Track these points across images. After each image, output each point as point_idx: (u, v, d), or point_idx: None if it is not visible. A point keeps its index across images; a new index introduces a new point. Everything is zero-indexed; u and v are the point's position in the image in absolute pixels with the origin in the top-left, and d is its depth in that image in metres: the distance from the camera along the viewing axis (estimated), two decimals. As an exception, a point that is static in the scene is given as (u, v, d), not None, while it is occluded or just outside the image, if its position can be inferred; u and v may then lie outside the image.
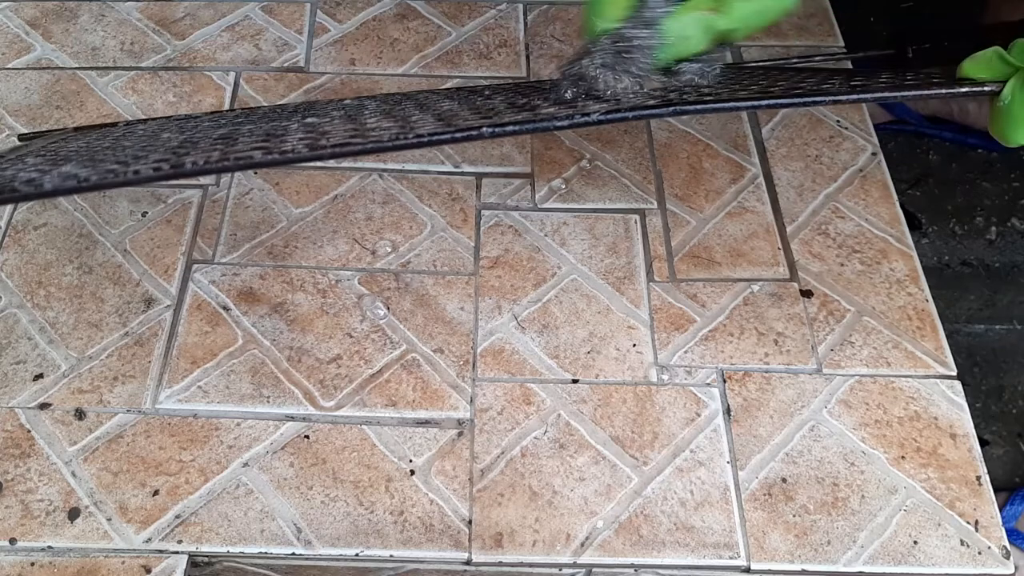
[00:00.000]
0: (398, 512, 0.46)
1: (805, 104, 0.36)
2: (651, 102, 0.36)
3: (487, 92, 0.52)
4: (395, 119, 0.40)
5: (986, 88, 0.38)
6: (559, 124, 0.33)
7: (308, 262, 0.55)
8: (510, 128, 0.33)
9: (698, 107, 0.36)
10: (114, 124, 0.61)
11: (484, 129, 0.33)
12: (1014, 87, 0.37)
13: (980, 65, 0.39)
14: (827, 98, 0.36)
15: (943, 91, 0.38)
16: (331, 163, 0.57)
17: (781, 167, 0.61)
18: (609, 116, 0.34)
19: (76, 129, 0.60)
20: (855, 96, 0.36)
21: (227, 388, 0.50)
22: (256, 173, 0.60)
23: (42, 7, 0.70)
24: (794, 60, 0.67)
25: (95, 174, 0.31)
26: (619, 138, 0.63)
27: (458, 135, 0.33)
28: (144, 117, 0.63)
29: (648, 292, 0.55)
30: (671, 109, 0.35)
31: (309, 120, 0.44)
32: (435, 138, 0.33)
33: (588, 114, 0.34)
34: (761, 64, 0.63)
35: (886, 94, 0.38)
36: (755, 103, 0.38)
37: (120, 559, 0.44)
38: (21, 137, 0.61)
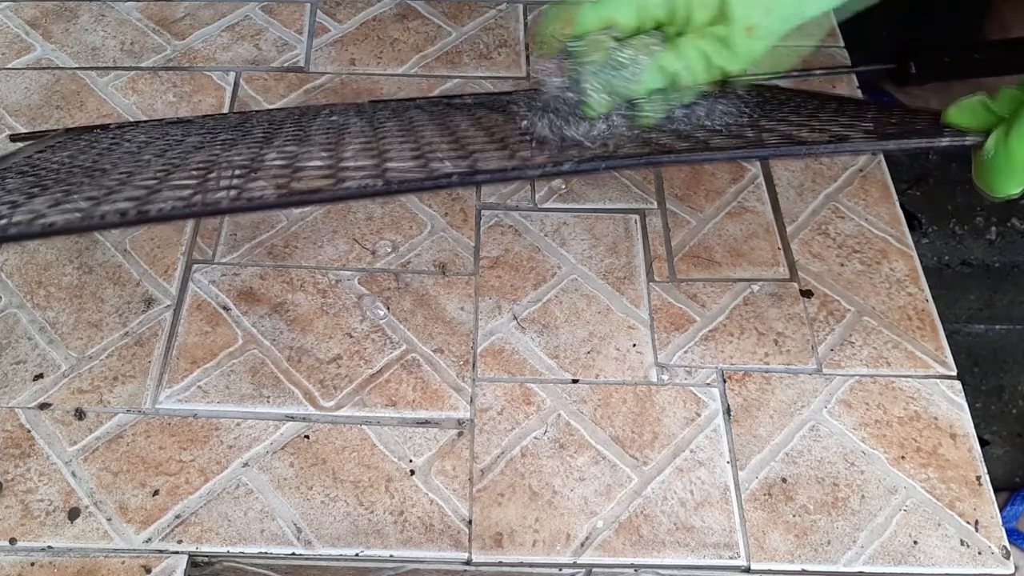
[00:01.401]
0: (398, 512, 0.46)
1: (781, 156, 0.37)
2: (625, 149, 0.36)
3: (471, 112, 0.52)
4: (372, 153, 0.40)
5: (968, 140, 0.37)
6: (531, 174, 0.34)
7: (308, 262, 0.55)
8: (479, 178, 0.33)
9: (672, 158, 0.36)
10: (105, 127, 0.60)
11: (454, 177, 0.33)
12: (997, 140, 0.36)
13: (964, 113, 0.37)
14: (804, 148, 0.35)
15: (924, 141, 0.37)
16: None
17: (781, 167, 0.61)
18: (581, 167, 0.34)
19: (67, 131, 0.60)
20: (832, 147, 0.36)
21: (227, 388, 0.50)
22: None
23: (42, 7, 0.70)
24: (794, 73, 0.66)
25: (62, 216, 0.31)
26: (619, 138, 0.62)
27: (427, 183, 0.34)
28: (139, 120, 0.63)
29: (648, 292, 0.55)
30: (643, 160, 0.35)
31: (289, 148, 0.44)
32: (404, 186, 0.34)
33: (561, 163, 0.34)
34: (756, 82, 0.62)
35: (862, 146, 0.38)
36: (713, 156, 0.37)
37: (120, 559, 0.44)
38: (13, 138, 0.60)
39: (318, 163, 0.39)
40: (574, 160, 0.34)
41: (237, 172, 0.39)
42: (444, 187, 0.34)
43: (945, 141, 0.37)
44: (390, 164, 0.36)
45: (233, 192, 0.34)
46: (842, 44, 0.70)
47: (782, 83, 0.66)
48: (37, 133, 0.61)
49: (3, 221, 0.32)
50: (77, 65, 0.66)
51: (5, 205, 0.35)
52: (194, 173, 0.40)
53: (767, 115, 0.46)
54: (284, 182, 0.34)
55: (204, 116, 0.62)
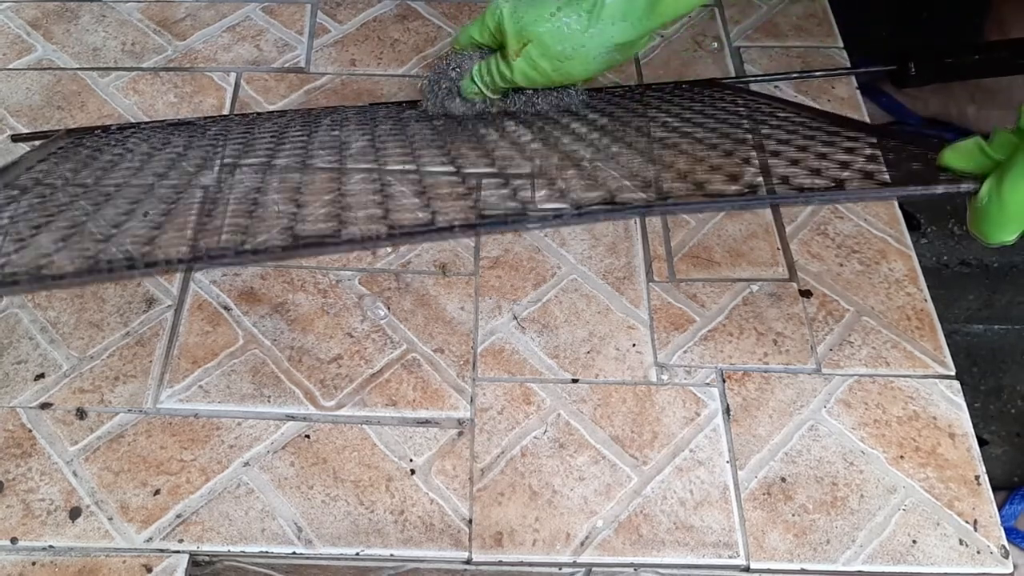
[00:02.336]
0: (398, 511, 0.46)
1: (782, 203, 0.38)
2: (593, 200, 0.37)
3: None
4: (376, 188, 0.41)
5: (962, 187, 0.36)
6: (532, 225, 0.36)
7: (308, 262, 0.55)
8: (479, 227, 0.35)
9: (667, 206, 0.37)
10: (106, 128, 0.60)
11: (456, 229, 0.34)
12: (991, 188, 0.35)
13: (960, 155, 0.37)
14: (803, 196, 0.36)
15: (919, 189, 0.36)
16: (331, 163, 0.57)
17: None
18: (582, 215, 0.35)
19: (69, 132, 0.60)
20: (829, 196, 0.36)
21: (228, 388, 0.50)
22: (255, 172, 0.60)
23: (43, 8, 0.70)
24: (794, 75, 0.66)
25: (69, 258, 0.33)
26: (619, 138, 0.63)
27: (431, 233, 0.35)
28: (140, 121, 0.63)
29: (648, 292, 0.55)
30: (640, 209, 0.36)
31: (291, 176, 0.45)
32: (406, 239, 0.36)
33: (561, 214, 0.35)
34: (746, 89, 0.62)
35: (861, 194, 0.37)
36: (715, 204, 0.37)
37: (121, 558, 0.44)
38: (15, 139, 0.60)
39: (320, 208, 0.40)
40: (573, 212, 0.35)
41: (240, 207, 0.40)
42: (447, 237, 0.36)
43: (940, 189, 0.36)
44: (394, 215, 0.37)
45: (238, 237, 0.35)
46: (841, 45, 0.71)
47: (783, 83, 0.66)
48: (39, 134, 0.61)
49: (10, 269, 0.33)
50: (78, 66, 0.66)
51: (11, 240, 0.36)
52: (195, 208, 0.43)
53: (769, 136, 0.46)
54: (289, 224, 0.35)
55: (206, 119, 0.62)
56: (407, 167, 0.45)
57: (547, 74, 0.52)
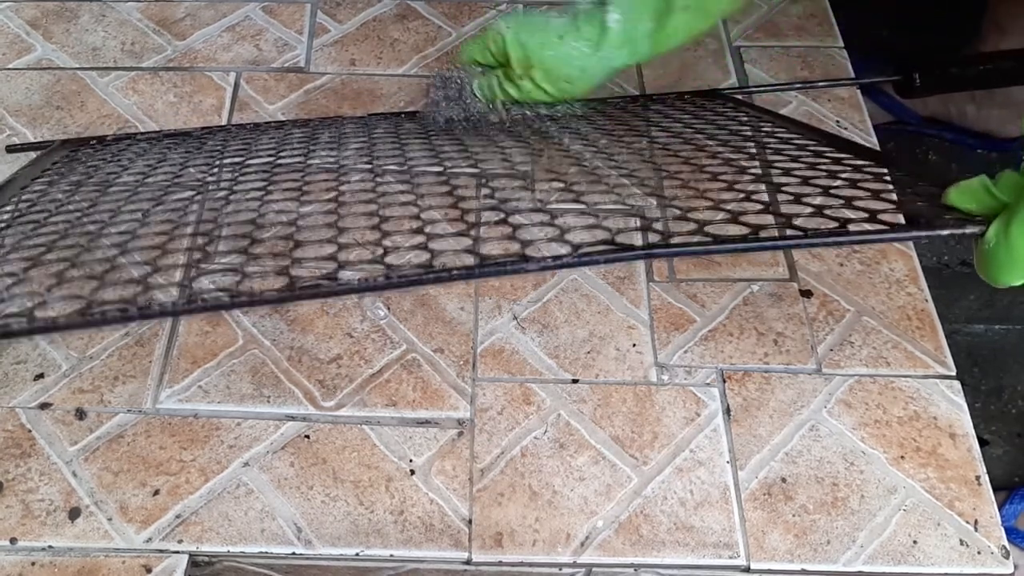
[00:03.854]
0: (398, 512, 0.46)
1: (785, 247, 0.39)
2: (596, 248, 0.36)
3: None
4: (373, 223, 0.42)
5: (968, 229, 0.35)
6: (531, 268, 0.36)
7: (308, 262, 0.55)
8: (479, 272, 0.35)
9: (665, 251, 0.37)
10: (102, 139, 0.60)
11: (455, 272, 0.35)
12: (998, 231, 0.34)
13: (965, 195, 0.36)
14: (806, 240, 0.35)
15: (924, 233, 0.36)
16: (330, 163, 0.57)
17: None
18: (581, 260, 0.35)
19: (64, 143, 0.60)
20: (833, 239, 0.35)
21: (227, 388, 0.50)
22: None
23: (43, 7, 0.70)
24: (797, 85, 0.66)
25: (63, 300, 0.33)
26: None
27: (428, 277, 0.35)
28: (136, 133, 0.62)
29: (648, 292, 0.55)
30: (642, 253, 0.36)
31: (288, 205, 0.46)
32: (404, 280, 0.35)
33: (560, 257, 0.35)
34: (740, 102, 0.62)
35: (865, 238, 0.36)
36: (722, 247, 0.37)
37: (121, 559, 0.44)
38: (9, 149, 0.60)
39: (320, 231, 0.40)
40: (574, 257, 0.35)
41: (236, 243, 0.40)
42: (444, 281, 0.37)
43: (946, 232, 0.35)
44: (389, 259, 0.37)
45: (236, 274, 0.36)
46: (841, 44, 0.70)
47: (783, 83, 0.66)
48: (34, 145, 0.60)
49: (6, 308, 0.33)
50: (78, 65, 0.66)
51: (4, 276, 0.37)
52: (191, 243, 0.45)
53: (772, 163, 0.46)
54: (282, 268, 0.36)
55: (203, 130, 0.62)
56: (405, 198, 0.46)
57: (551, 94, 0.54)
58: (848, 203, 0.38)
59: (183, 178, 0.51)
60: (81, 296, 0.33)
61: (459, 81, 0.57)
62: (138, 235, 0.42)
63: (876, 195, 0.39)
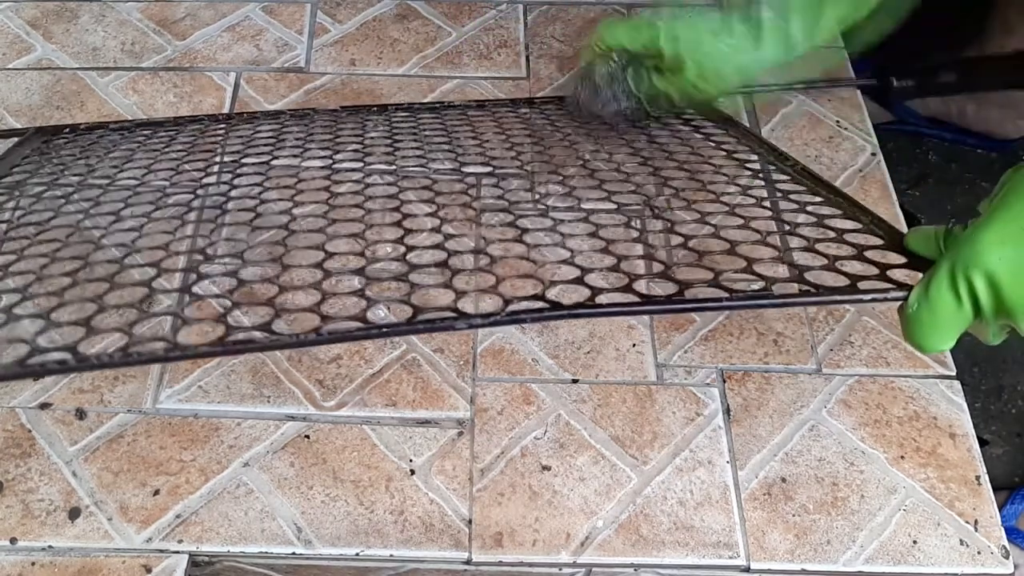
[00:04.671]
0: (398, 512, 0.46)
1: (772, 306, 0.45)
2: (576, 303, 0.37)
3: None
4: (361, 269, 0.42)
5: (890, 295, 0.35)
6: (525, 319, 0.37)
7: (308, 262, 0.55)
8: (476, 323, 0.35)
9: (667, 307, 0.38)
10: (75, 128, 0.60)
11: (460, 322, 0.35)
12: (919, 294, 0.34)
13: (920, 240, 0.37)
14: (798, 299, 0.36)
15: (847, 298, 0.37)
16: (331, 163, 0.57)
17: (781, 167, 0.61)
18: (579, 311, 0.36)
19: (39, 130, 0.59)
20: (740, 303, 0.36)
21: (228, 388, 0.50)
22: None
23: (43, 7, 0.70)
24: (798, 85, 0.65)
25: (47, 339, 0.33)
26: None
27: (420, 326, 0.36)
28: (108, 122, 0.62)
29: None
30: (640, 307, 0.37)
31: (265, 238, 0.46)
32: (394, 330, 0.37)
33: (557, 306, 0.35)
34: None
35: (774, 302, 0.38)
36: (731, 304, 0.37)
37: (121, 559, 0.44)
38: None
39: (308, 290, 0.40)
40: (570, 308, 0.36)
41: (225, 278, 0.40)
42: (441, 330, 0.39)
43: (868, 298, 0.36)
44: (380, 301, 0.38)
45: (223, 325, 0.36)
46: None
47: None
48: (10, 131, 0.60)
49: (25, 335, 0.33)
50: (78, 65, 0.66)
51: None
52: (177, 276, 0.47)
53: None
54: (265, 323, 0.35)
55: (176, 120, 0.61)
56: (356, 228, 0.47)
57: (702, 90, 0.53)
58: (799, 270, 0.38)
59: (169, 196, 0.51)
60: (64, 347, 0.33)
61: (609, 71, 0.55)
62: (123, 272, 0.42)
63: (834, 259, 0.39)
